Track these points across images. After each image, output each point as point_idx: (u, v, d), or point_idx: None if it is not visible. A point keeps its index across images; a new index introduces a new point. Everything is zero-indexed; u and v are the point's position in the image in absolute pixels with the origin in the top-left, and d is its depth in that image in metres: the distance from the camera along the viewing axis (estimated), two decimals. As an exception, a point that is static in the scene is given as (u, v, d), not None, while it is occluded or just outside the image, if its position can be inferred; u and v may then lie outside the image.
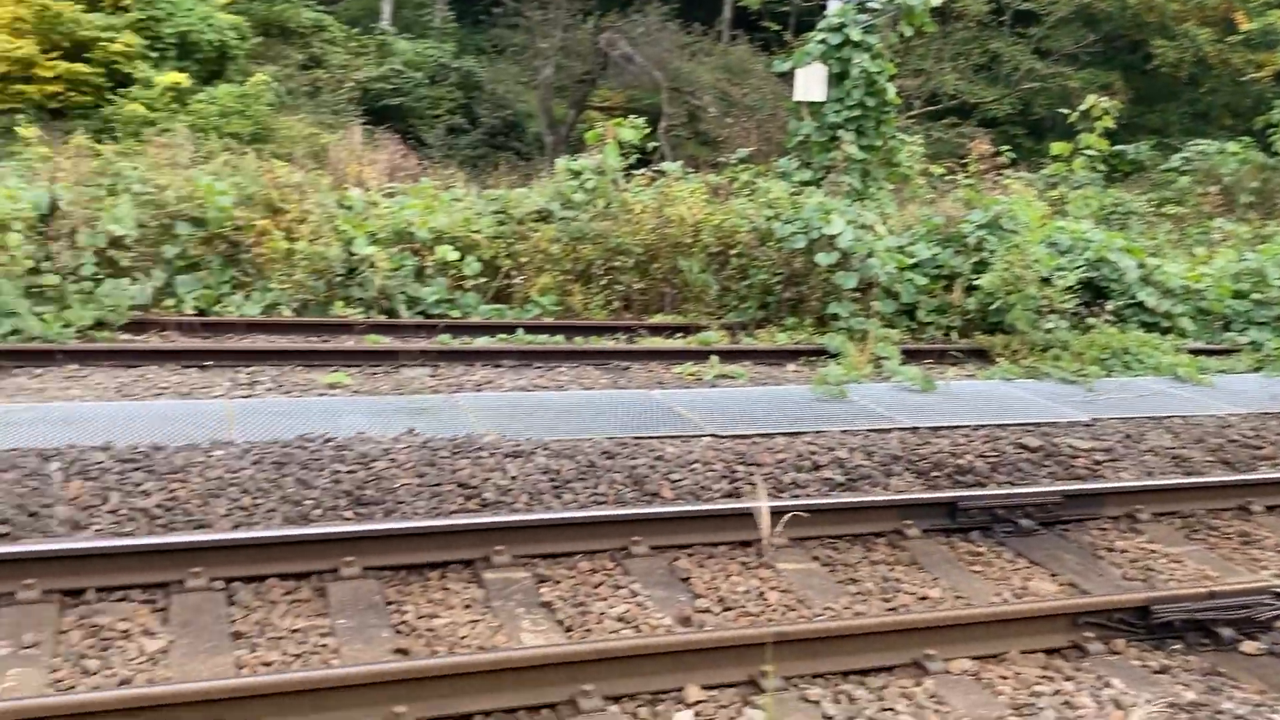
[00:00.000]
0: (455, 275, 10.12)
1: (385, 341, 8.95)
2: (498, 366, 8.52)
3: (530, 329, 9.53)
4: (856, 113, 13.01)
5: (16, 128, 13.27)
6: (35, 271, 8.56)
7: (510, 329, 9.48)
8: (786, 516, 5.01)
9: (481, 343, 9.09)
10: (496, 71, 24.99)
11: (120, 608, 4.12)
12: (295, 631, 4.06)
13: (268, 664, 3.81)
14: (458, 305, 10.01)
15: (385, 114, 20.94)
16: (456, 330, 9.37)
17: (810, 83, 12.96)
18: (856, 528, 5.24)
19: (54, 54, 17.42)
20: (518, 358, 8.69)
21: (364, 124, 18.52)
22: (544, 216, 10.79)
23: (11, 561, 4.09)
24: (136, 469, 5.19)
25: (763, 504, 4.97)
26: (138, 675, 3.68)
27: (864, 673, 3.97)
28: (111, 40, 17.83)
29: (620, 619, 4.30)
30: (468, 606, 4.37)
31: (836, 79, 13.07)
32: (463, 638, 4.10)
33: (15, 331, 8.03)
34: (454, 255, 10.07)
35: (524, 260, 10.40)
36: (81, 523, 4.69)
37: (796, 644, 3.89)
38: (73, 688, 3.58)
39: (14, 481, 4.96)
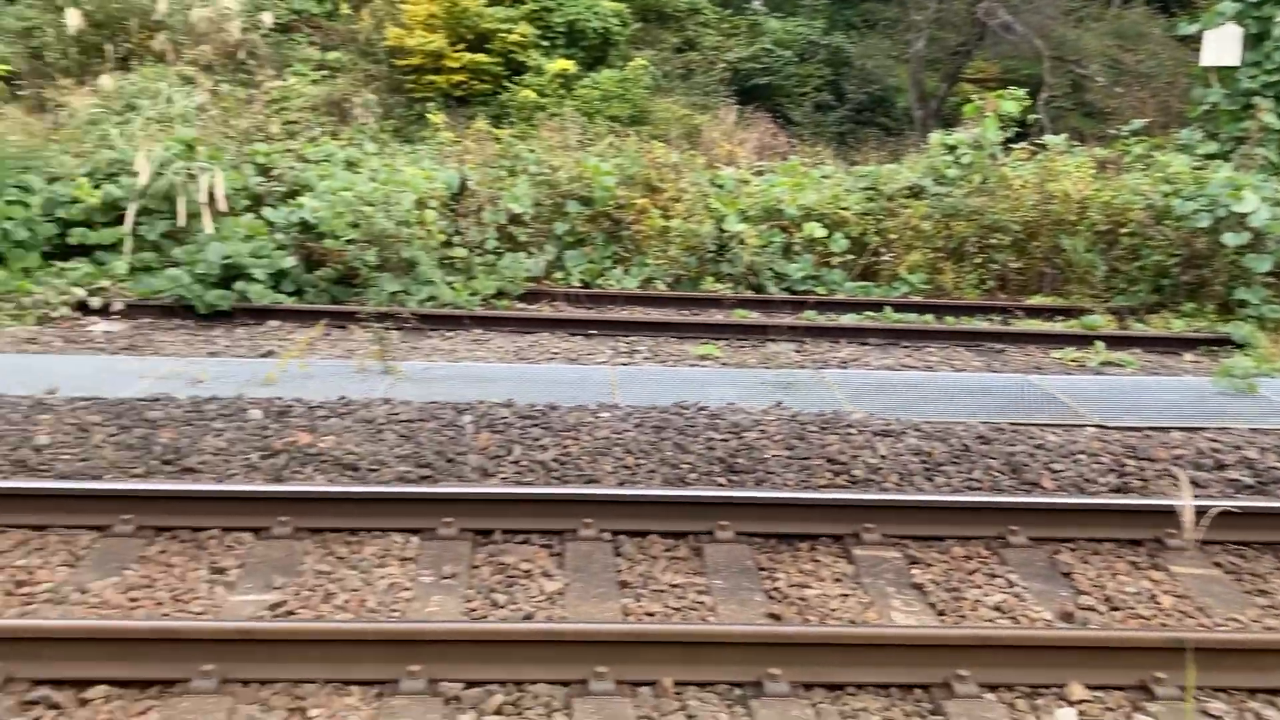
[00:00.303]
0: (822, 252, 10.16)
1: (753, 316, 9.17)
2: (864, 344, 8.47)
3: (898, 307, 9.39)
4: (1277, 77, 11.61)
5: (427, 115, 14.80)
6: (447, 245, 9.53)
7: (877, 306, 9.39)
8: (1208, 516, 4.60)
9: (848, 320, 9.08)
10: (866, 46, 24.60)
11: (523, 549, 4.52)
12: (675, 586, 4.28)
13: (650, 614, 4.05)
14: (824, 282, 10.05)
15: (753, 93, 21.25)
16: (822, 307, 9.42)
17: (1222, 45, 11.72)
18: (1269, 535, 4.74)
19: (460, 46, 19.16)
20: (884, 336, 8.60)
21: (733, 103, 18.94)
22: (915, 193, 10.56)
23: (435, 501, 4.61)
24: (535, 425, 5.67)
25: (1186, 501, 4.60)
26: (538, 612, 4.04)
27: (1276, 693, 3.61)
28: (509, 31, 19.35)
29: (996, 608, 4.17)
30: (838, 580, 4.40)
31: (1253, 40, 11.74)
32: (833, 610, 4.15)
33: (431, 298, 8.99)
34: (821, 232, 10.10)
35: (893, 237, 10.25)
36: (490, 470, 5.19)
37: (1197, 653, 3.59)
38: (484, 617, 3.99)
39: (435, 430, 5.57)
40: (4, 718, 3.31)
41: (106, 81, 12.10)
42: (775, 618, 4.06)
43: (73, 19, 13.51)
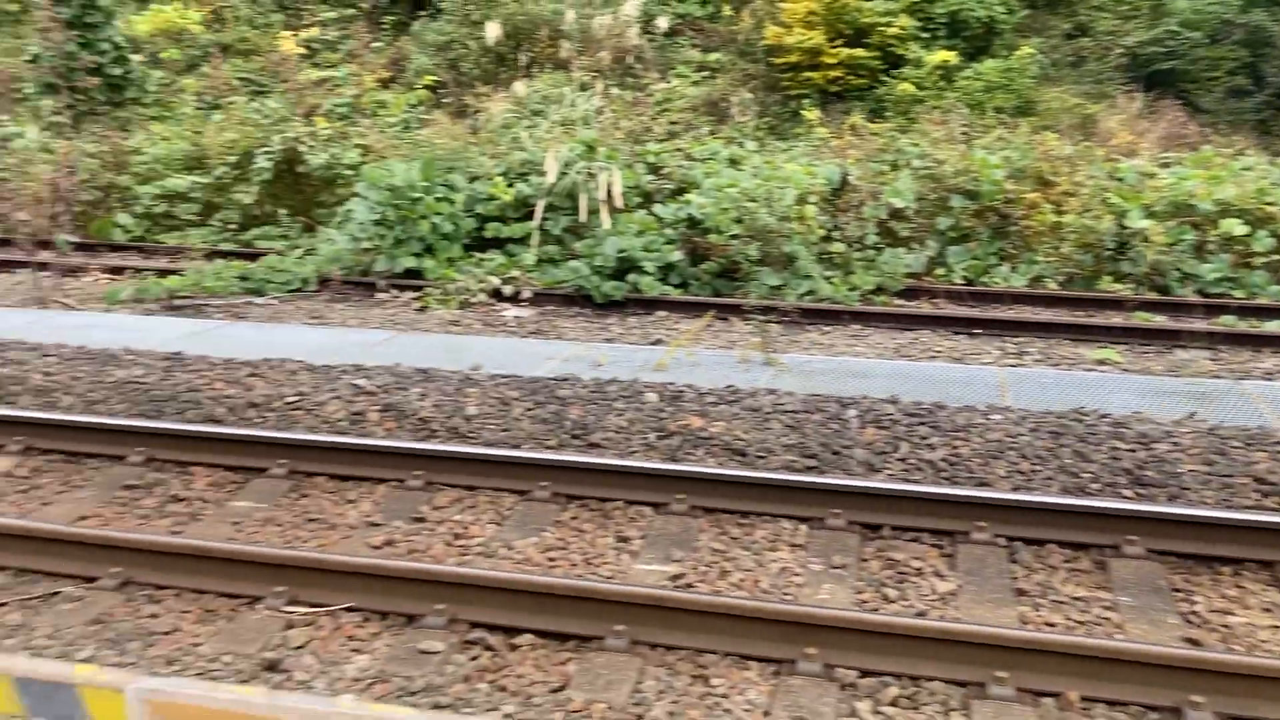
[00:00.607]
0: (1242, 251, 9.21)
1: (1157, 320, 8.49)
2: (1292, 355, 7.61)
3: (1336, 315, 8.35)
4: None
5: (801, 111, 14.91)
6: (826, 240, 9.59)
7: (1310, 313, 8.40)
8: None
9: (1273, 326, 8.18)
10: (1293, 23, 21.90)
11: (912, 547, 4.48)
12: (1077, 599, 4.07)
13: (1050, 624, 3.88)
14: (1243, 285, 9.11)
15: (1154, 79, 19.57)
16: (1242, 312, 8.56)
17: None
18: None
19: (837, 41, 19.14)
20: (1318, 346, 7.68)
21: (1130, 91, 17.59)
22: (1363, 186, 9.33)
23: (825, 492, 4.67)
24: (921, 423, 5.58)
25: None
26: (930, 610, 3.99)
27: None
28: (888, 25, 19.08)
29: None
30: (1267, 610, 4.00)
31: None
32: (1263, 641, 3.78)
33: (810, 292, 9.09)
34: (1242, 229, 9.16)
35: (1330, 236, 9.11)
36: (876, 465, 5.18)
37: None
38: (875, 609, 4.00)
39: (820, 423, 5.64)
40: (449, 654, 3.74)
41: (519, 88, 13.24)
42: (1193, 643, 3.76)
43: (491, 31, 14.89)
